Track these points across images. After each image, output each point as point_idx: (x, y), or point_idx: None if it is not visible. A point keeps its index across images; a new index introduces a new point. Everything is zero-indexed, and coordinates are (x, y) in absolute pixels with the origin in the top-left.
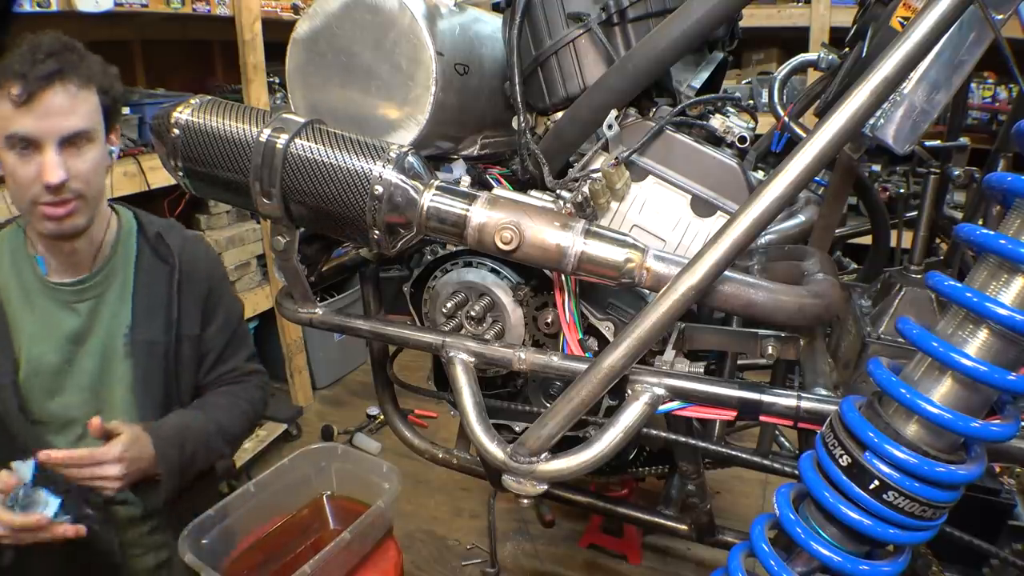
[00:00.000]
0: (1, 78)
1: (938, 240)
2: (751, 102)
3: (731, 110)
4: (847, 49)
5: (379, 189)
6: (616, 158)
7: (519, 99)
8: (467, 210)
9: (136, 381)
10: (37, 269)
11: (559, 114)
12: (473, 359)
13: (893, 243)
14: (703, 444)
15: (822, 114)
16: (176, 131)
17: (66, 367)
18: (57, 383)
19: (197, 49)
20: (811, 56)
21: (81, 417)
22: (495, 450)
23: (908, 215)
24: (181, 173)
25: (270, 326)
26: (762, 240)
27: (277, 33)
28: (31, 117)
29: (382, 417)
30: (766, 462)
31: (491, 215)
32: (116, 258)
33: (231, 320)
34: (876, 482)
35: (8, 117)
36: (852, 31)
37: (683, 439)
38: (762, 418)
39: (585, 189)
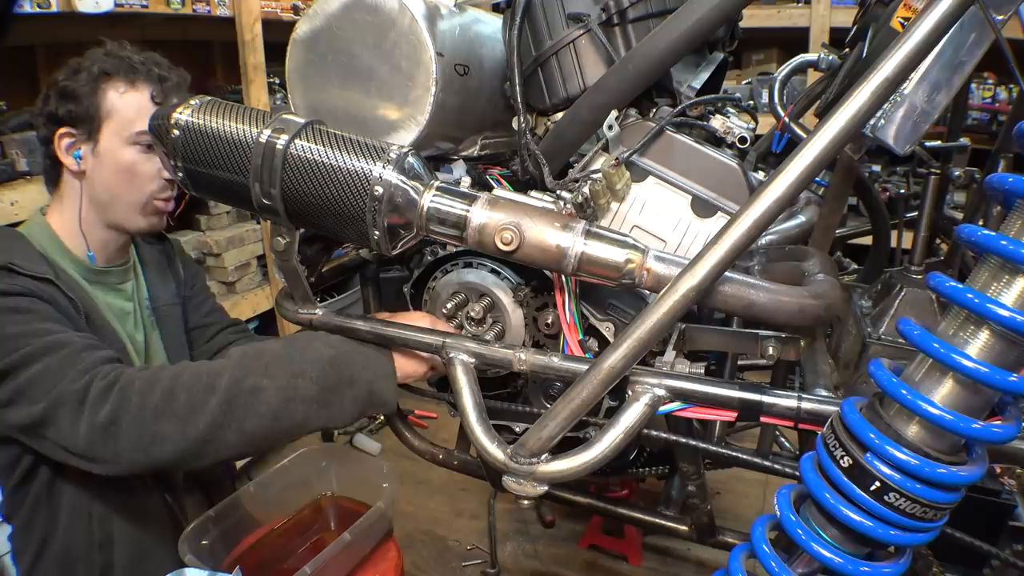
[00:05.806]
0: (136, 78)
1: (938, 241)
2: (751, 103)
3: (731, 111)
4: (847, 50)
5: (379, 190)
6: (616, 159)
7: (519, 100)
8: (467, 211)
9: (168, 348)
10: (87, 262)
11: (559, 115)
12: (473, 360)
13: (893, 244)
14: (703, 445)
15: (822, 115)
16: (176, 131)
17: (127, 344)
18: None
19: (197, 50)
20: (811, 57)
21: None
22: (495, 451)
23: (908, 215)
24: (181, 174)
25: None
26: (763, 241)
27: (277, 34)
28: None
29: (382, 418)
30: (767, 463)
31: (491, 216)
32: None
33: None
34: (877, 483)
35: (141, 115)
36: (852, 31)
37: (683, 440)
38: (763, 419)
39: (585, 190)
